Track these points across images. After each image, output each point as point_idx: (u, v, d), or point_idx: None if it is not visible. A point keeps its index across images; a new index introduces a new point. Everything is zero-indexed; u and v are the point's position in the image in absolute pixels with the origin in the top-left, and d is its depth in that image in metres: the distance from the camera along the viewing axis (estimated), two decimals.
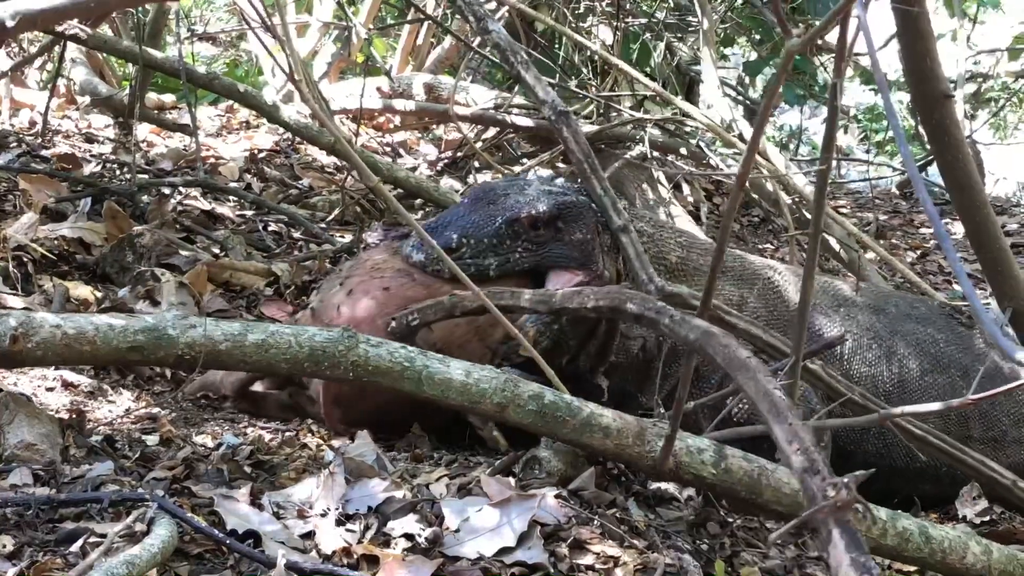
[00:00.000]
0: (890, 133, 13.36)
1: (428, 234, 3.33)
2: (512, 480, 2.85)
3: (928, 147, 2.87)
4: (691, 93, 9.73)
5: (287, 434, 3.30)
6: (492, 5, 7.60)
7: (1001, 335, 2.10)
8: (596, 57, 7.45)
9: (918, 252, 8.03)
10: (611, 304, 3.10)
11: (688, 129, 6.95)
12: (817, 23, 2.20)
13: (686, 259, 3.95)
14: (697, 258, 3.99)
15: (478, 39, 7.16)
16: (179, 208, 5.39)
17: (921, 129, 3.44)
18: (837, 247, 5.86)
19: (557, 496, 2.75)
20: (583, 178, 3.80)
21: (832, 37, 3.00)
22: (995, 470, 3.29)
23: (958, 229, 6.95)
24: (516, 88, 7.19)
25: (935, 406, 2.40)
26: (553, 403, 2.82)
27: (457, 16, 8.46)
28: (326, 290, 3.68)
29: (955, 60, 9.38)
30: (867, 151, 12.40)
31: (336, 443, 3.16)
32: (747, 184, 5.83)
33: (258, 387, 3.68)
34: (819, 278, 4.60)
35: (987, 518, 3.79)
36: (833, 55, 2.88)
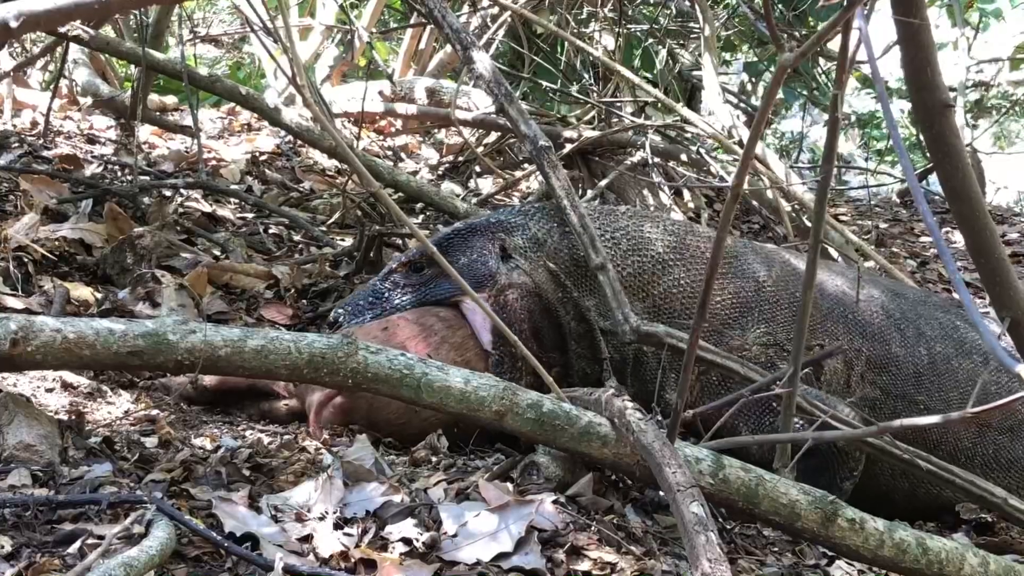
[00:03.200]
0: (891, 141, 13.38)
1: None
2: (510, 485, 2.86)
3: (928, 156, 2.87)
4: (693, 99, 9.75)
5: (286, 437, 3.30)
6: (495, 9, 7.61)
7: (999, 346, 2.10)
8: (598, 62, 7.45)
9: (918, 260, 8.03)
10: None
11: (689, 135, 6.96)
12: (819, 28, 2.21)
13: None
14: (696, 244, 4.01)
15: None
16: (180, 210, 5.40)
17: (922, 138, 3.44)
18: (836, 255, 5.86)
19: (555, 502, 2.76)
20: (562, 213, 3.81)
21: (835, 43, 3.01)
22: (985, 489, 3.29)
23: (958, 238, 6.96)
24: (518, 93, 7.20)
25: (934, 419, 2.42)
26: (552, 412, 2.82)
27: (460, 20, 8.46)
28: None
29: (957, 69, 9.40)
30: (867, 158, 12.41)
31: (335, 447, 3.16)
32: (747, 191, 5.84)
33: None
34: (834, 263, 4.59)
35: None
36: (834, 61, 2.89)
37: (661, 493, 2.98)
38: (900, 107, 11.49)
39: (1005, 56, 10.72)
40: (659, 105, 7.18)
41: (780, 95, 12.03)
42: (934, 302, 4.28)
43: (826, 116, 5.53)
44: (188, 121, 6.47)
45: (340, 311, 3.88)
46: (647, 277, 3.84)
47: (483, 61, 4.23)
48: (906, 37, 2.66)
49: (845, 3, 2.11)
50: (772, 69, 9.16)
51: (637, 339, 3.54)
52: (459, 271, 3.68)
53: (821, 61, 9.33)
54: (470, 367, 3.16)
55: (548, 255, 3.83)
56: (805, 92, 10.07)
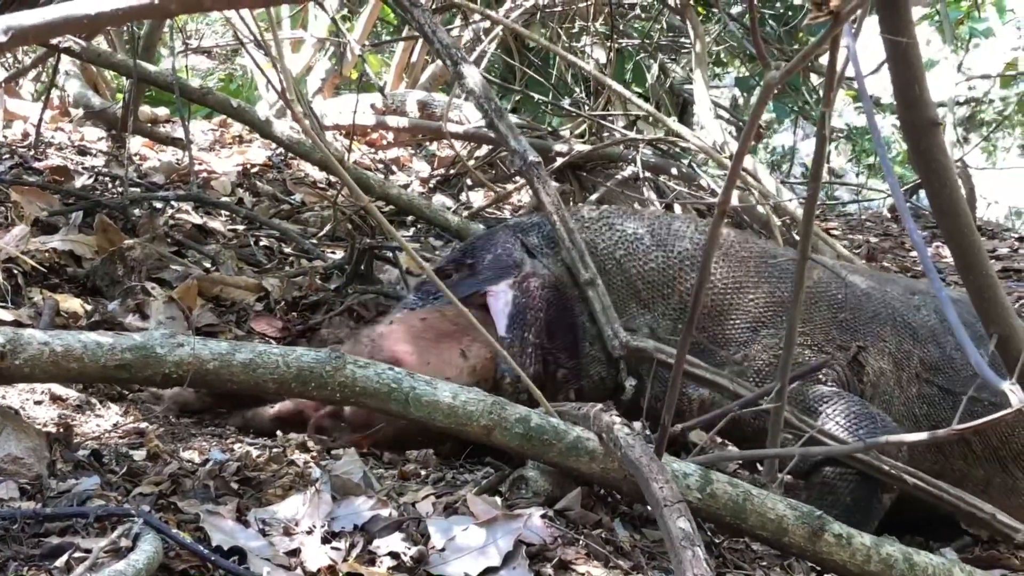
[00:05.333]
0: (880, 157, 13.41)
1: None
2: (498, 500, 2.86)
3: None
4: (684, 113, 9.79)
5: (274, 450, 3.29)
6: (486, 23, 7.63)
7: (983, 363, 2.11)
8: (589, 76, 7.47)
9: (908, 275, 8.05)
10: None
11: (680, 150, 6.98)
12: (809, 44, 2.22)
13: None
14: (731, 243, 4.02)
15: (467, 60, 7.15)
16: (170, 222, 5.40)
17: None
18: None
19: (543, 516, 2.75)
20: (553, 229, 3.82)
21: (826, 59, 3.02)
22: (974, 505, 3.29)
23: (948, 253, 6.98)
24: (510, 107, 7.21)
25: (921, 436, 2.42)
26: (539, 426, 2.82)
27: (452, 33, 8.48)
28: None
29: (948, 85, 9.43)
30: (858, 173, 12.45)
31: (323, 461, 3.16)
32: (738, 206, 5.86)
33: None
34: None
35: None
36: (824, 77, 2.90)
37: (649, 508, 2.99)
38: (892, 122, 11.53)
39: (995, 73, 10.77)
40: (650, 119, 7.20)
41: (771, 111, 12.08)
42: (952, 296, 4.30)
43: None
44: (179, 133, 6.48)
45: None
46: (673, 273, 3.85)
47: (473, 76, 4.23)
48: (894, 55, 2.68)
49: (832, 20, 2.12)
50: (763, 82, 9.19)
51: (626, 354, 3.55)
52: (486, 266, 3.80)
53: (813, 77, 9.36)
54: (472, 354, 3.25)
55: (565, 252, 3.85)
56: (796, 107, 10.10)
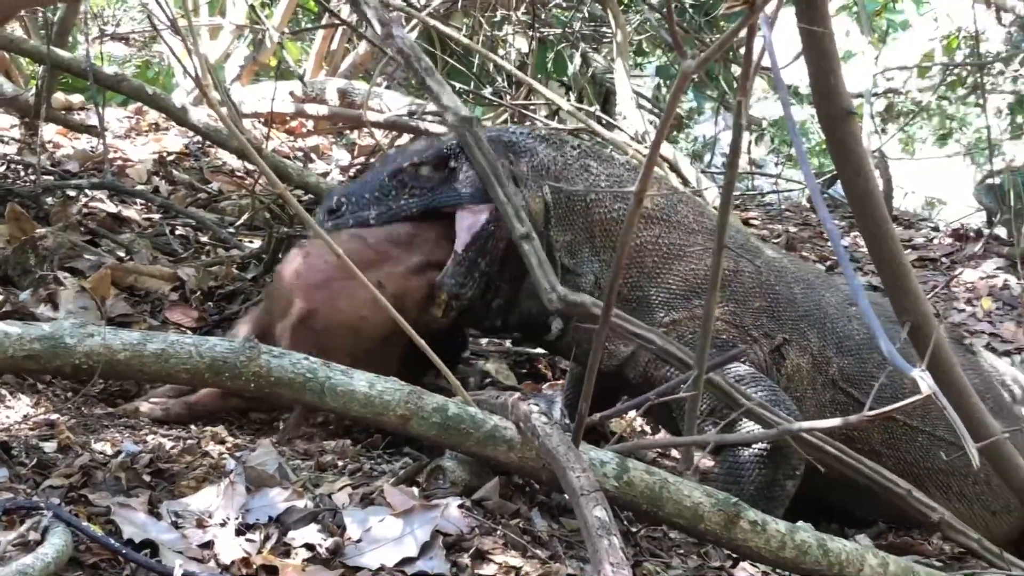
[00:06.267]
0: (804, 145, 13.54)
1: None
2: (415, 490, 2.85)
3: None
4: (608, 103, 9.79)
5: (188, 442, 3.26)
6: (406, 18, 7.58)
7: (895, 351, 2.13)
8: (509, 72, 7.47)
9: (827, 264, 8.14)
10: None
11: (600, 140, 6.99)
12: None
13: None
14: (686, 212, 4.07)
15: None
16: (84, 211, 5.31)
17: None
18: None
19: (460, 506, 2.74)
20: (487, 184, 3.80)
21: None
22: (890, 479, 3.34)
23: None
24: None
25: (835, 422, 2.44)
26: (457, 415, 2.81)
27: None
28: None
29: (865, 76, 9.56)
30: (777, 163, 12.56)
31: (238, 452, 3.13)
32: (659, 195, 5.89)
33: None
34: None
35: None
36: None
37: (567, 497, 2.99)
38: (811, 112, 11.64)
39: (911, 64, 10.93)
40: (570, 110, 7.21)
41: (692, 100, 12.16)
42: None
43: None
44: (94, 120, 6.37)
45: (343, 200, 3.88)
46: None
47: (403, 36, 4.15)
48: (810, 45, 2.70)
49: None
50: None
51: (564, 308, 3.52)
52: (469, 179, 3.80)
53: (734, 67, 9.42)
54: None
55: (550, 181, 3.87)
56: (716, 97, 10.17)
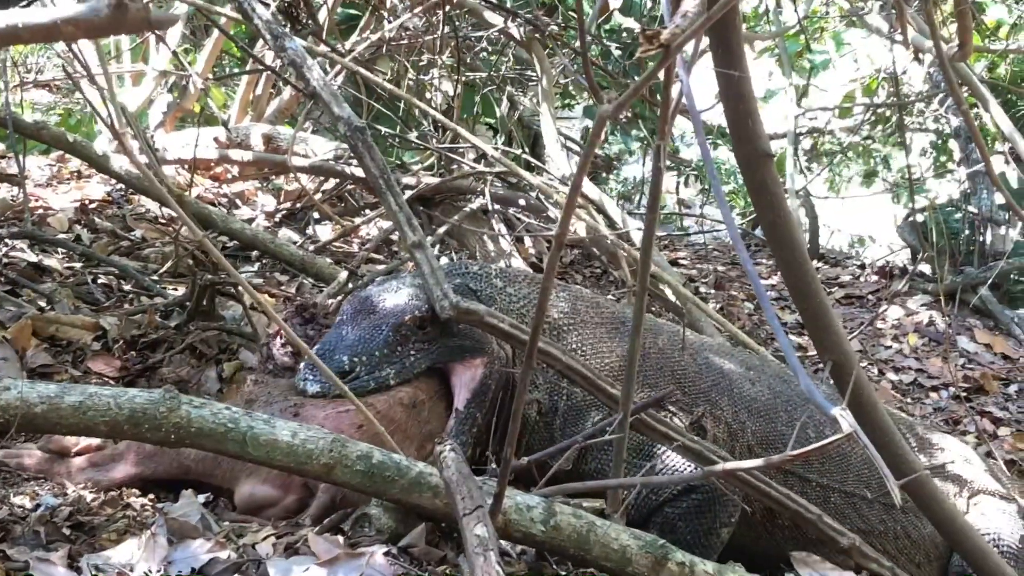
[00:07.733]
0: (729, 187, 13.70)
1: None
2: (341, 538, 2.83)
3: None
4: (536, 145, 9.83)
5: (110, 494, 3.21)
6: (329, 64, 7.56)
7: (816, 390, 2.14)
8: (434, 118, 7.47)
9: (755, 303, 8.22)
10: None
11: (526, 183, 7.00)
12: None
13: (572, 311, 4.03)
14: (585, 310, 4.06)
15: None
16: (4, 260, 5.23)
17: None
18: (673, 297, 5.97)
19: (386, 554, 2.73)
20: (378, 194, 3.76)
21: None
22: (801, 504, 3.36)
23: None
24: None
25: (757, 462, 2.45)
26: (382, 463, 2.79)
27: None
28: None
29: (788, 117, 9.68)
30: (703, 204, 12.68)
31: (160, 503, 3.08)
32: (587, 238, 5.89)
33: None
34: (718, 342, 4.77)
35: None
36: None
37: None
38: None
39: (833, 105, 11.09)
40: (498, 153, 7.22)
41: (621, 142, 12.24)
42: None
43: (667, 162, 5.60)
44: (14, 169, 6.29)
45: (355, 360, 3.66)
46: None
47: (295, 48, 4.07)
48: (727, 88, 2.72)
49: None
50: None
51: (456, 316, 3.49)
52: (463, 331, 3.75)
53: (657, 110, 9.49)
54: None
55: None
56: (644, 139, 10.24)
